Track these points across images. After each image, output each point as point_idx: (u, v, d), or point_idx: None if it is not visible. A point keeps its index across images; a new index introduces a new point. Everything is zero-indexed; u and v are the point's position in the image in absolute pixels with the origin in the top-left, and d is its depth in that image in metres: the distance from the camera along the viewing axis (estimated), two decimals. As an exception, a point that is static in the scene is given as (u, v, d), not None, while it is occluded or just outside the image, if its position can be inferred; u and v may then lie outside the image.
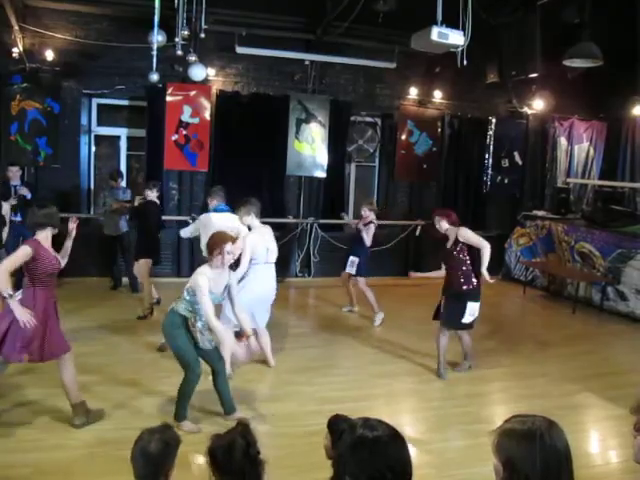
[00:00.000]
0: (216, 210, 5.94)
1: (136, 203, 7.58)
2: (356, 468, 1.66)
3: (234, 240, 4.35)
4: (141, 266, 7.01)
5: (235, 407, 4.38)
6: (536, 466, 1.61)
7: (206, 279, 4.02)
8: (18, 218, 7.55)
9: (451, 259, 5.28)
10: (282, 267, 9.37)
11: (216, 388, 4.32)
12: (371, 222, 7.20)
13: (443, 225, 5.39)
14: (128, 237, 8.09)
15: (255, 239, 5.32)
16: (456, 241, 5.26)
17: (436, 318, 5.50)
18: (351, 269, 7.19)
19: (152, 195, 7.06)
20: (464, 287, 5.24)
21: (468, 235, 5.23)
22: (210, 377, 4.33)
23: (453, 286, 5.29)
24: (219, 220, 5.59)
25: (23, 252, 3.85)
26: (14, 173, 7.59)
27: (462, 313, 5.24)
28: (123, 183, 8.28)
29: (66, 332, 4.25)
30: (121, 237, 8.16)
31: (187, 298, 4.12)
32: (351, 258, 7.20)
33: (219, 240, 4.18)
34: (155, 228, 7.16)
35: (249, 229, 5.49)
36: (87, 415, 4.17)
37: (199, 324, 4.11)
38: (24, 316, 3.77)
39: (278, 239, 8.98)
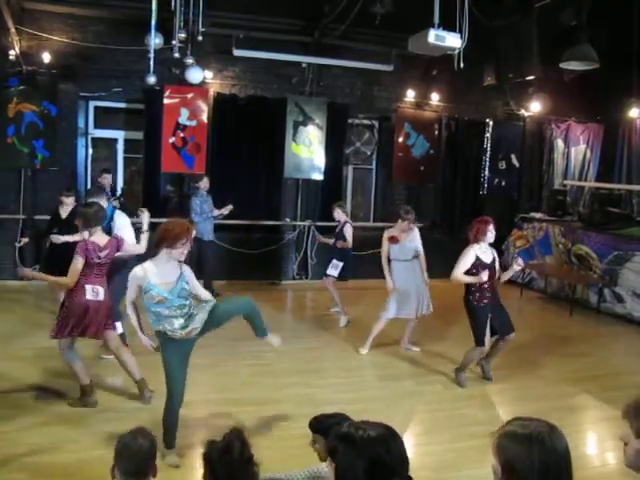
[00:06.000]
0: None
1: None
2: (355, 469, 1.66)
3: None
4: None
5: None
6: (534, 469, 1.60)
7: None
8: None
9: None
10: (279, 269, 9.41)
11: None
12: (346, 222, 7.15)
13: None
14: None
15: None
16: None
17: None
18: (334, 272, 7.07)
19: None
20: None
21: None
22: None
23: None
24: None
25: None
26: (108, 180, 7.90)
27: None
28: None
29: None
30: (212, 242, 8.28)
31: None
32: (334, 261, 7.07)
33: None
34: None
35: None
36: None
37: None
38: None
39: (275, 241, 9.12)
